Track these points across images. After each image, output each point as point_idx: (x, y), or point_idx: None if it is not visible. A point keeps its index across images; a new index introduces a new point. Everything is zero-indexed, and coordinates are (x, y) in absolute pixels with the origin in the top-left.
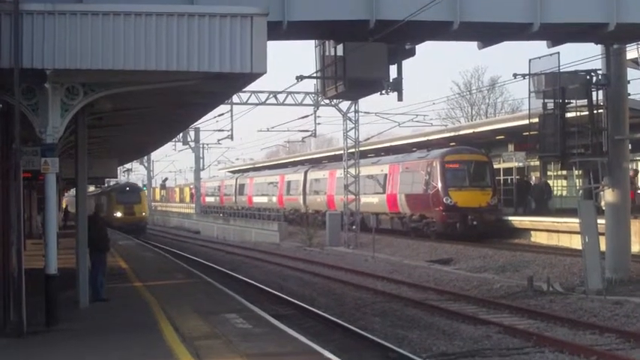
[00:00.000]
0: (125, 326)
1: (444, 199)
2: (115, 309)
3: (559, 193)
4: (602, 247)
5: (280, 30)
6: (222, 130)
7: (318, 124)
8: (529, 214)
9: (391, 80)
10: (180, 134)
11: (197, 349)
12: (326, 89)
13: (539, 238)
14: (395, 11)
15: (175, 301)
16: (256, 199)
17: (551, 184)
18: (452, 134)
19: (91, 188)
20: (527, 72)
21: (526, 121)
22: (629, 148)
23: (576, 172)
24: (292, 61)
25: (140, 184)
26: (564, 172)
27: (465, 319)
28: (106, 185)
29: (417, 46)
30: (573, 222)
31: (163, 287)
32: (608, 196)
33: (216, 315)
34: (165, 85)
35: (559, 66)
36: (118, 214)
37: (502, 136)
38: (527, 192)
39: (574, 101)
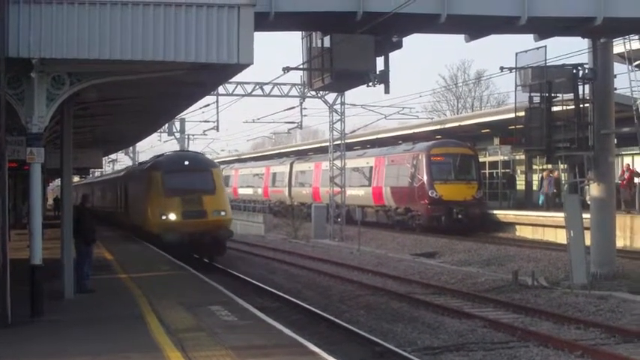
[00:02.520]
0: (110, 318)
1: (430, 192)
2: (100, 300)
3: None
4: (588, 241)
5: (267, 21)
6: (208, 121)
7: (304, 115)
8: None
9: (378, 72)
10: (166, 125)
11: (182, 341)
12: (312, 81)
13: (524, 232)
14: (382, 3)
15: (161, 293)
16: (241, 191)
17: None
18: (438, 127)
19: (76, 178)
20: (514, 65)
21: (512, 115)
22: (615, 142)
23: (562, 166)
24: (279, 52)
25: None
26: (549, 166)
27: (449, 313)
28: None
29: (404, 39)
30: (558, 216)
31: (149, 279)
32: (593, 190)
33: (201, 307)
34: (151, 76)
35: (546, 60)
36: (172, 217)
37: (488, 130)
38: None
39: (560, 95)
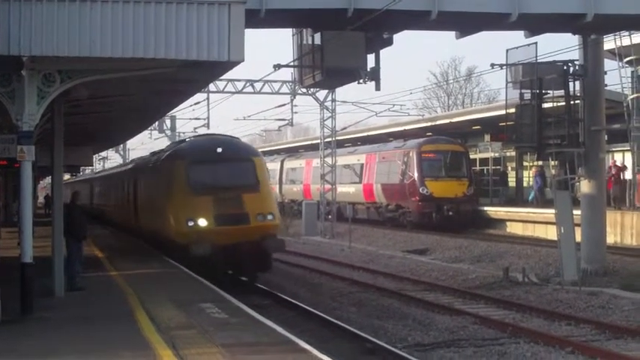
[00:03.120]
0: (101, 316)
1: (420, 189)
2: (90, 298)
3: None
4: (578, 237)
5: (258, 18)
6: (199, 119)
7: (295, 112)
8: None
9: (369, 69)
10: (157, 122)
11: (173, 338)
12: (303, 78)
13: (514, 229)
14: (373, 0)
15: (151, 291)
16: None
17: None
18: (428, 124)
19: (66, 176)
20: (505, 62)
21: (502, 112)
22: (606, 138)
23: (552, 163)
24: (270, 49)
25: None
26: (540, 163)
27: (440, 310)
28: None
29: (394, 36)
30: (549, 212)
31: (139, 276)
32: (584, 186)
33: (192, 305)
34: (141, 73)
35: (536, 56)
36: (202, 223)
37: (478, 127)
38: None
39: (551, 92)
